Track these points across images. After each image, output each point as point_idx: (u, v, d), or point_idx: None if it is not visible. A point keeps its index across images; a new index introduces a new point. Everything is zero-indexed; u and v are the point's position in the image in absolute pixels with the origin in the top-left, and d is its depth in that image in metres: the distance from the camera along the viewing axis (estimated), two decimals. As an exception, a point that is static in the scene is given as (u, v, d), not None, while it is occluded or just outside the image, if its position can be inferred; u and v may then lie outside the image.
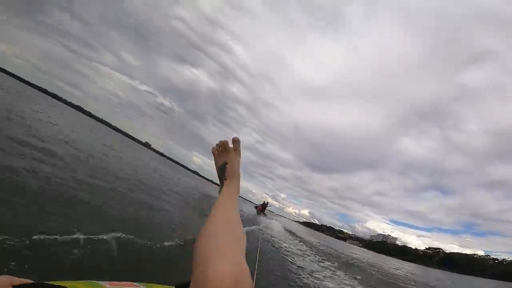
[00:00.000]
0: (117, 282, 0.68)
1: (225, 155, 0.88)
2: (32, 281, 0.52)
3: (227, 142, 0.88)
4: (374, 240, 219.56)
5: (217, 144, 0.89)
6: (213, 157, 0.90)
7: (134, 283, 0.75)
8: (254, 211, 28.47)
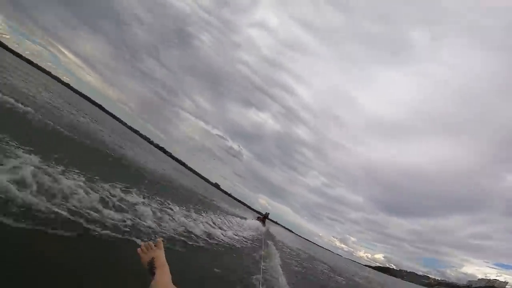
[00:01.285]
0: None
1: (151, 252, 1.09)
2: None
3: (151, 243, 1.13)
4: (474, 286, 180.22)
5: (142, 246, 1.13)
6: (140, 257, 1.10)
7: None
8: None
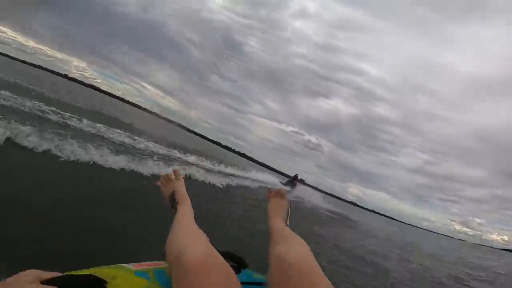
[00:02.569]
0: (140, 263, 0.71)
1: (171, 185, 1.01)
2: (60, 274, 0.50)
3: (169, 174, 1.05)
4: None
5: (161, 178, 1.05)
6: (161, 192, 1.03)
7: (159, 262, 0.77)
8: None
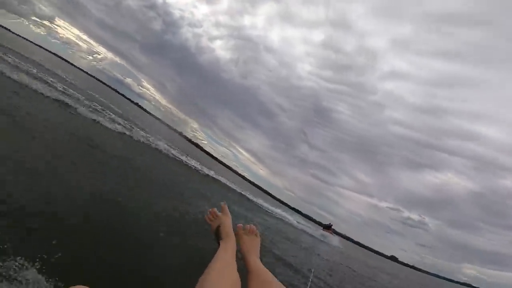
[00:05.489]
0: None
1: (217, 220, 1.06)
2: None
3: (215, 209, 1.11)
4: None
5: (208, 213, 1.11)
6: (209, 225, 1.08)
7: None
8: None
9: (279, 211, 22.44)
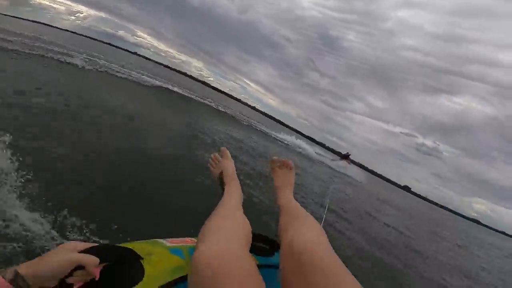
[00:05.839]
0: (176, 239, 0.70)
1: (219, 165, 1.02)
2: (96, 244, 0.52)
3: (217, 154, 1.07)
4: None
5: (210, 160, 1.07)
6: (211, 174, 1.04)
7: (190, 238, 0.76)
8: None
9: (296, 140, 22.00)
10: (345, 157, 29.66)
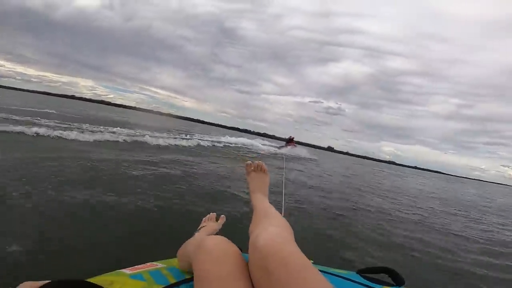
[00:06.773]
0: (137, 266, 0.70)
1: (209, 224, 1.10)
2: (49, 281, 0.49)
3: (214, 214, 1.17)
4: None
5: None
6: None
7: (153, 262, 0.76)
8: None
9: (237, 139, 20.63)
10: (290, 141, 30.71)
